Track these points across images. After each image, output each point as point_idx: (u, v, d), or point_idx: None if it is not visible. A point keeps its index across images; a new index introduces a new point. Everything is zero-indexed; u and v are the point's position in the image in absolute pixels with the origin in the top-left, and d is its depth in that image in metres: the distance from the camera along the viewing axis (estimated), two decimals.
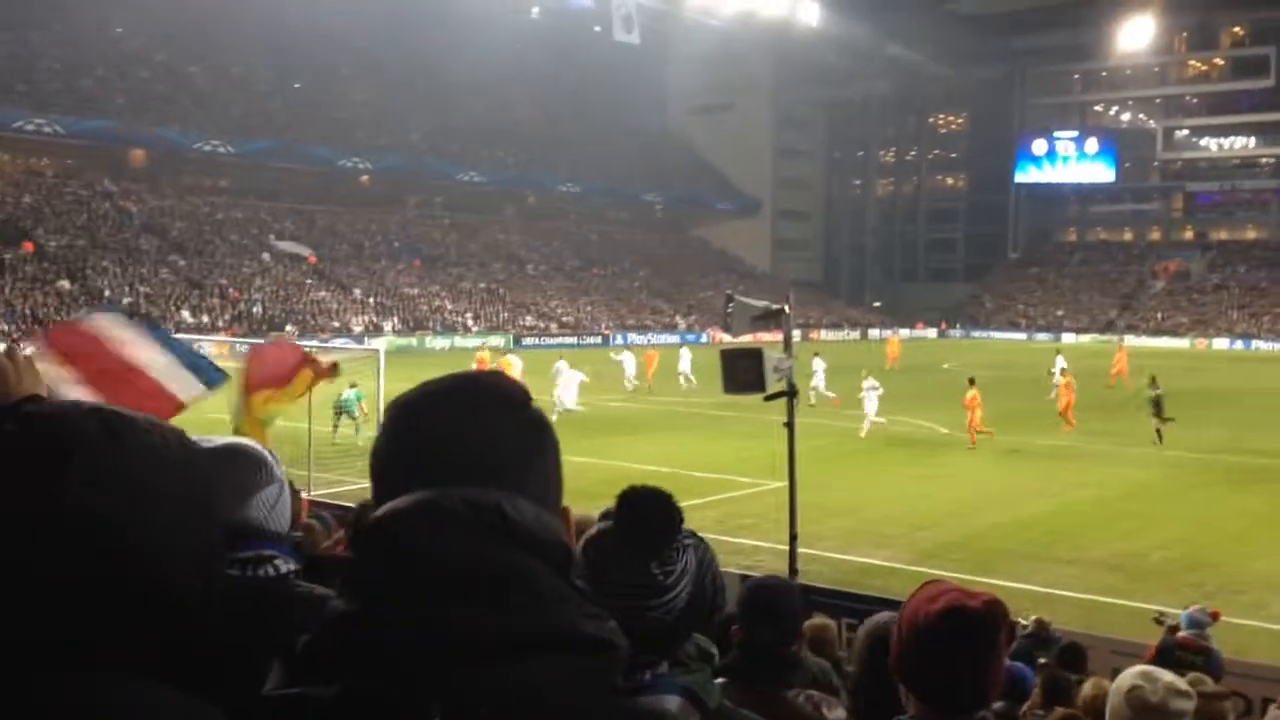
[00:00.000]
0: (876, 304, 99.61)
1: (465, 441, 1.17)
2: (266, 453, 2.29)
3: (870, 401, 27.70)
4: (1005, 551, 16.19)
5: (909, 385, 29.56)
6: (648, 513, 1.92)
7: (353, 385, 24.58)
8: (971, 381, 27.04)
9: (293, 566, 2.21)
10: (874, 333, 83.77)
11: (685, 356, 38.50)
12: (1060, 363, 37.71)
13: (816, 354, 35.38)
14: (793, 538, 9.77)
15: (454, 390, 1.24)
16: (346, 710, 0.99)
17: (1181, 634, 8.37)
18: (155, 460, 1.09)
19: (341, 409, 24.88)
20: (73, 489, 1.03)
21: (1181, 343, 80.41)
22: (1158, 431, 27.29)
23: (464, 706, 0.99)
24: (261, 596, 2.07)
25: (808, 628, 7.04)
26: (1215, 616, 8.68)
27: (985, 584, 13.95)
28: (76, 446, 1.05)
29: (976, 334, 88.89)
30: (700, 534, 2.06)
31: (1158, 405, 27.81)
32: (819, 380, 33.78)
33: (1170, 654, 7.86)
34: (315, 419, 21.81)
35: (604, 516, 1.97)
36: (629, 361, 37.62)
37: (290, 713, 1.02)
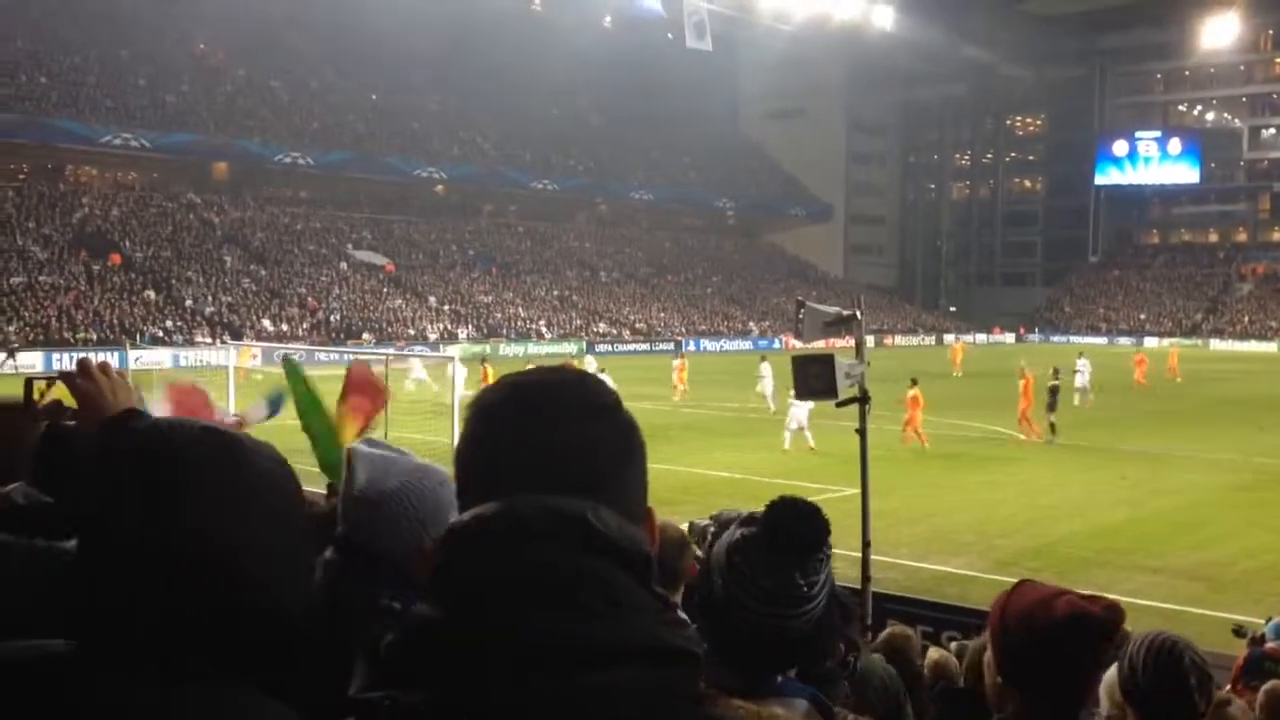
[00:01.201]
0: (952, 309, 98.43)
1: (552, 448, 1.15)
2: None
3: (800, 410, 24.53)
4: (1084, 560, 15.89)
5: (984, 391, 29.09)
6: (797, 523, 1.95)
7: None
8: (914, 382, 26.27)
9: None
10: (949, 338, 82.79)
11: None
12: (1082, 366, 36.06)
13: (764, 358, 34.98)
14: (865, 545, 9.68)
15: (542, 393, 1.20)
16: (430, 718, 1.00)
17: (1270, 644, 8.16)
18: (262, 481, 1.12)
19: None
20: (192, 513, 1.06)
21: (1269, 346, 78.39)
22: (1050, 425, 27.22)
23: (541, 716, 0.99)
24: None
25: (886, 636, 6.94)
26: None
27: None
28: (194, 469, 1.08)
29: (1056, 338, 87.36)
30: None
31: (1053, 397, 27.72)
32: (766, 387, 32.43)
33: (1259, 665, 7.65)
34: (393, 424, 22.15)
35: (745, 522, 2.00)
36: (589, 365, 36.97)
37: (376, 717, 1.03)
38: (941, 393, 34.10)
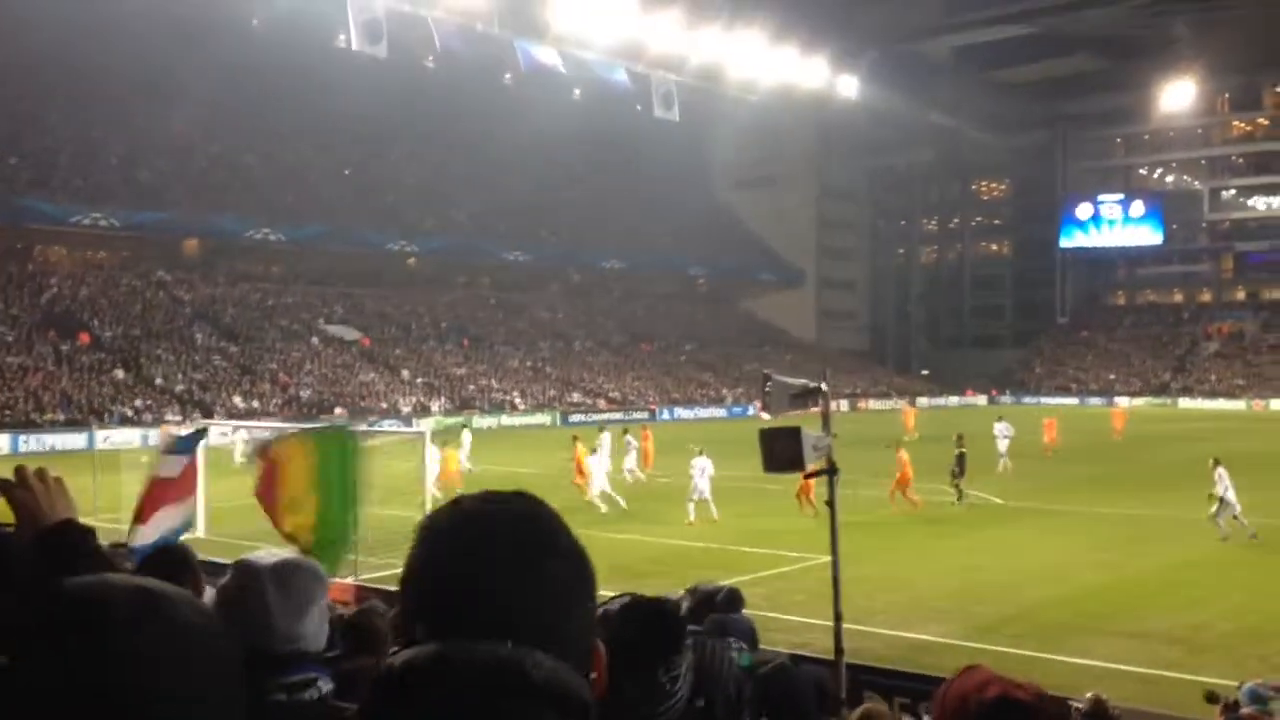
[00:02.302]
0: (924, 372, 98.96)
1: (496, 590, 1.13)
2: (314, 562, 2.40)
3: (702, 479, 24.86)
4: (1062, 625, 15.82)
5: (946, 455, 28.97)
6: (651, 628, 1.92)
7: None
8: (899, 446, 25.97)
9: (332, 687, 2.29)
10: (922, 401, 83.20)
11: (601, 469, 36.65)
12: (1003, 431, 35.01)
13: (626, 430, 34.61)
14: (837, 617, 9.59)
15: (492, 531, 1.18)
16: None
17: (1245, 710, 8.08)
18: (184, 634, 1.12)
19: None
20: (109, 665, 1.06)
21: (1238, 405, 79.13)
22: (956, 489, 27.40)
23: None
24: None
25: (862, 712, 6.84)
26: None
27: (1043, 659, 13.64)
28: (112, 623, 1.08)
29: (1028, 399, 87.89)
30: (749, 612, 2.07)
31: (960, 464, 27.92)
32: (631, 460, 32.53)
33: None
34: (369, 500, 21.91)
35: (601, 620, 1.96)
36: (466, 441, 34.25)
37: None
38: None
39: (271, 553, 2.38)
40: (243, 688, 1.19)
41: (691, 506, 24.65)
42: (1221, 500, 22.69)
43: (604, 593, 2.07)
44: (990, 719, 2.23)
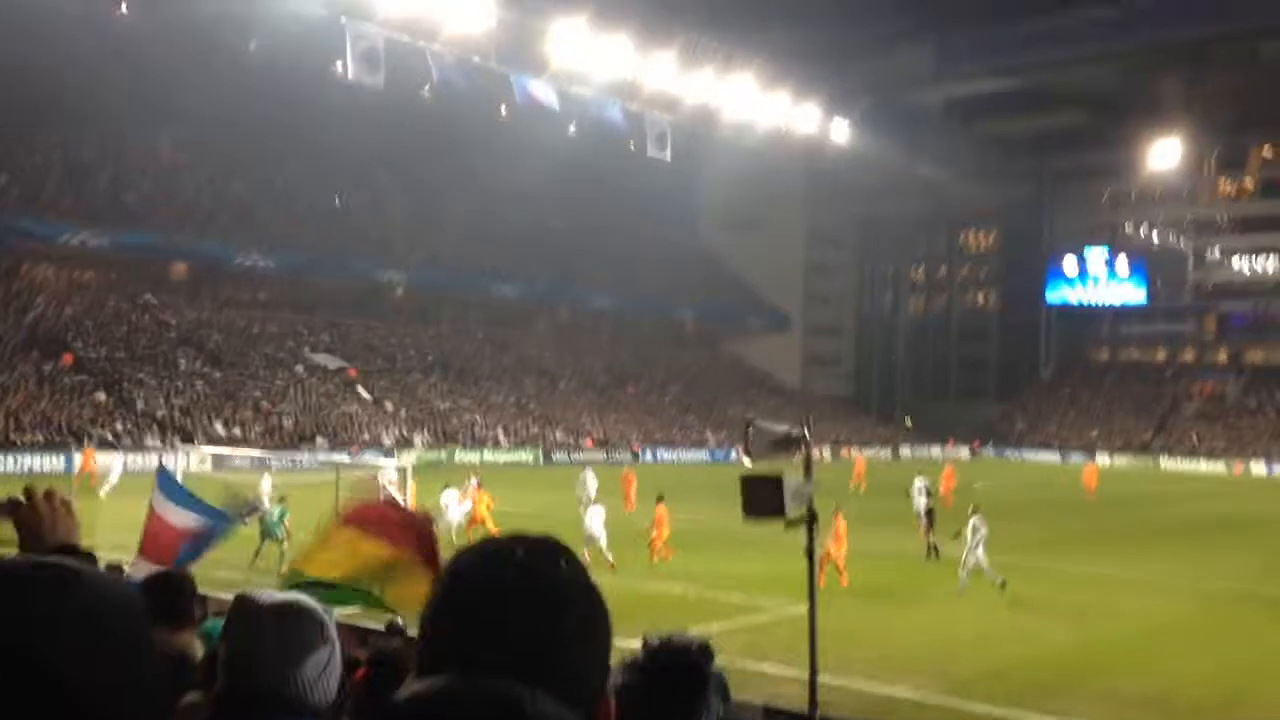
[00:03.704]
0: (907, 422, 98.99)
1: (511, 632, 1.18)
2: (324, 611, 2.27)
3: (593, 521, 24.85)
4: (1037, 685, 15.76)
5: (909, 507, 28.72)
6: (676, 670, 1.90)
7: (281, 499, 23.66)
8: (660, 499, 25.44)
9: None
10: (905, 451, 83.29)
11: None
12: (920, 485, 33.09)
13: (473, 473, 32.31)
14: (813, 672, 9.54)
15: (514, 573, 1.22)
16: None
17: None
18: (96, 607, 1.18)
19: (265, 530, 22.40)
20: (15, 631, 1.13)
21: (1218, 466, 79.39)
22: (931, 547, 26.87)
23: None
24: None
25: None
26: None
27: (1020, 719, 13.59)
28: (26, 595, 1.16)
29: (1009, 453, 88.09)
30: (723, 659, 2.06)
31: (929, 517, 27.63)
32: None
33: None
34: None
35: (630, 667, 1.95)
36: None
37: None
38: (868, 510, 33.25)
39: (273, 593, 2.31)
40: (150, 654, 1.24)
41: (586, 551, 23.79)
42: (969, 544, 22.76)
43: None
44: None
